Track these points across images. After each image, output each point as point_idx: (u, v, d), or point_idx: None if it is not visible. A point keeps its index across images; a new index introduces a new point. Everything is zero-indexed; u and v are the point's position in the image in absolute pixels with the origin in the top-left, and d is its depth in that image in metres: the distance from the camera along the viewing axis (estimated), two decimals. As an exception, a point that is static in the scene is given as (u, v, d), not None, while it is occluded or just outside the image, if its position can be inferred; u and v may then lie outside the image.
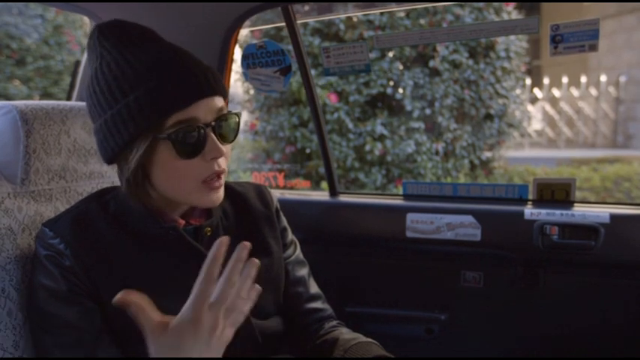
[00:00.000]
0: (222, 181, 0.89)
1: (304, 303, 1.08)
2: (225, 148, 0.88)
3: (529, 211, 1.49)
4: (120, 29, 0.87)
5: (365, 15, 4.28)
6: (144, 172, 0.86)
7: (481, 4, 4.36)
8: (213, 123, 0.85)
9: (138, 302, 0.73)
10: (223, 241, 0.73)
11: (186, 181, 0.86)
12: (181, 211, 0.93)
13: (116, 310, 0.85)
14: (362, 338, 1.03)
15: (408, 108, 4.32)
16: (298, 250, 1.13)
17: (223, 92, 0.88)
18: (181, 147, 0.83)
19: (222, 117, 0.87)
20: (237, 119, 0.91)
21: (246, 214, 1.03)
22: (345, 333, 1.05)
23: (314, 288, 1.12)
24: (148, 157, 0.84)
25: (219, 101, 0.87)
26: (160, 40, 0.89)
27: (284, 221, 1.11)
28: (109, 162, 0.88)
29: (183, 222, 0.92)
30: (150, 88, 0.81)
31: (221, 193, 0.89)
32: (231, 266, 0.73)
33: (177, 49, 0.87)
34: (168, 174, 0.85)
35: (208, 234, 0.94)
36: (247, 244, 0.74)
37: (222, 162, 0.87)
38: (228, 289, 0.73)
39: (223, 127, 0.87)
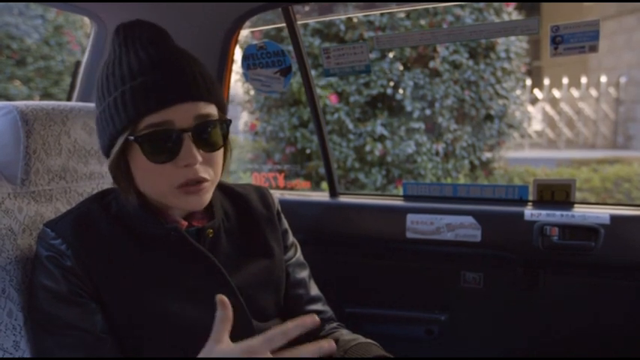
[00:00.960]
0: (206, 185, 0.86)
1: (305, 305, 1.08)
2: (209, 155, 0.86)
3: (529, 212, 1.49)
4: (133, 29, 0.87)
5: (365, 16, 4.29)
6: (127, 170, 0.87)
7: (481, 5, 4.36)
8: (191, 129, 0.82)
9: (229, 314, 0.74)
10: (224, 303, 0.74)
11: (160, 184, 0.85)
12: (183, 213, 0.93)
13: (117, 311, 0.86)
14: (362, 339, 1.03)
15: (408, 108, 4.32)
16: (299, 253, 1.13)
17: (212, 98, 0.86)
18: (150, 151, 0.82)
19: (204, 123, 0.84)
20: (225, 126, 0.88)
21: (247, 216, 1.03)
22: (345, 334, 1.06)
23: (314, 290, 1.12)
24: (125, 157, 0.85)
25: (202, 107, 0.84)
26: (165, 42, 0.88)
27: (285, 223, 1.11)
28: (106, 156, 0.89)
29: (185, 223, 0.92)
30: (130, 87, 0.81)
31: (204, 197, 0.87)
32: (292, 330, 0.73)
33: (176, 52, 0.86)
34: (143, 176, 0.86)
35: (210, 235, 0.93)
36: (317, 320, 0.74)
37: (201, 169, 0.84)
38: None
39: (205, 135, 0.84)
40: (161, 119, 0.81)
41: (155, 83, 0.81)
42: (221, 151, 0.89)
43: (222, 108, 0.91)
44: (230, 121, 0.89)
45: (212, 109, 0.86)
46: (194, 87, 0.83)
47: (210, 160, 0.86)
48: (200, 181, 0.85)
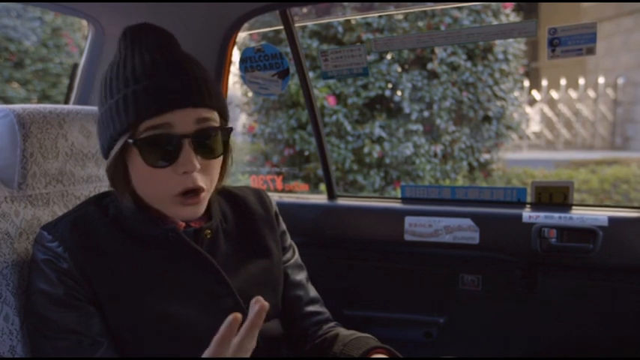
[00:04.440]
0: (203, 196, 0.86)
1: (303, 306, 1.08)
2: (207, 163, 0.85)
3: (527, 214, 1.49)
4: (140, 32, 0.88)
5: (363, 18, 4.29)
6: (124, 173, 0.87)
7: (479, 7, 4.37)
8: (191, 135, 0.82)
9: (257, 321, 0.69)
10: (236, 317, 0.67)
11: (157, 190, 0.85)
12: None
13: (115, 313, 0.85)
14: (359, 333, 1.04)
15: (407, 110, 4.32)
16: (297, 254, 1.14)
17: (213, 105, 0.85)
18: (149, 154, 0.82)
19: (204, 129, 0.83)
20: (226, 134, 0.88)
21: (245, 217, 1.04)
22: (343, 330, 1.07)
23: (312, 291, 1.12)
24: (124, 160, 0.85)
25: (203, 113, 0.84)
26: (171, 46, 0.87)
27: (283, 225, 1.12)
28: (105, 158, 0.89)
29: (183, 224, 0.92)
30: (132, 91, 0.81)
31: (199, 208, 0.87)
32: (246, 332, 0.69)
33: (181, 57, 0.86)
34: (141, 180, 0.86)
35: (208, 236, 0.94)
36: (262, 302, 0.68)
37: (199, 178, 0.84)
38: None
39: (205, 141, 0.84)
40: (161, 123, 0.81)
41: (157, 87, 0.81)
42: (219, 160, 0.89)
43: (225, 115, 0.90)
44: (231, 128, 0.89)
45: (213, 116, 0.86)
46: (196, 92, 0.83)
47: (208, 168, 0.86)
48: (198, 191, 0.84)
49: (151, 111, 0.80)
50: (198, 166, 0.83)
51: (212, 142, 0.85)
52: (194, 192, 0.84)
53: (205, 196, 0.87)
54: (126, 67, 0.84)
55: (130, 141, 0.82)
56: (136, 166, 0.84)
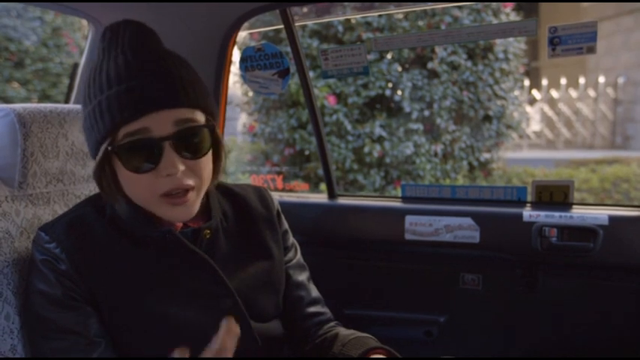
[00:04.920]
0: (192, 196, 0.84)
1: (304, 307, 1.08)
2: (194, 163, 0.83)
3: (528, 213, 1.49)
4: (118, 31, 0.85)
5: (363, 17, 4.28)
6: (113, 178, 0.85)
7: (479, 6, 4.36)
8: (171, 136, 0.80)
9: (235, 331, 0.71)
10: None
11: (143, 194, 0.83)
12: None
13: (113, 314, 0.85)
14: (359, 333, 1.04)
15: (407, 110, 4.32)
16: (299, 254, 1.13)
17: (192, 103, 0.82)
18: (129, 161, 0.80)
19: (185, 130, 0.81)
20: (208, 131, 0.85)
21: (246, 217, 1.03)
22: (342, 330, 1.06)
23: (314, 292, 1.12)
24: (111, 165, 0.83)
25: (182, 113, 0.81)
26: (149, 45, 0.85)
27: (285, 224, 1.11)
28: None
29: (180, 225, 0.92)
30: (106, 97, 0.79)
31: (191, 208, 0.85)
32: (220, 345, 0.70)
33: (156, 56, 0.83)
34: (127, 185, 0.84)
35: (207, 236, 0.93)
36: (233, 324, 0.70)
37: (185, 177, 0.82)
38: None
39: (187, 141, 0.81)
40: (139, 128, 0.79)
41: (129, 92, 0.78)
42: (208, 157, 0.86)
43: (209, 112, 0.87)
44: (213, 125, 0.86)
45: (194, 114, 0.83)
46: (170, 93, 0.80)
47: (195, 167, 0.83)
48: (186, 189, 0.82)
49: (125, 117, 0.78)
50: (181, 167, 0.81)
51: (195, 141, 0.83)
52: (181, 191, 0.82)
53: (196, 196, 0.85)
54: (102, 71, 0.82)
55: (109, 148, 0.80)
56: (121, 172, 0.83)
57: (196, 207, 0.87)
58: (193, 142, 0.82)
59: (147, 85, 0.79)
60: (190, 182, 0.83)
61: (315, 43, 4.25)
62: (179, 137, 0.80)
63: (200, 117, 0.84)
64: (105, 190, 0.86)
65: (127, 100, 0.78)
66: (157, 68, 0.81)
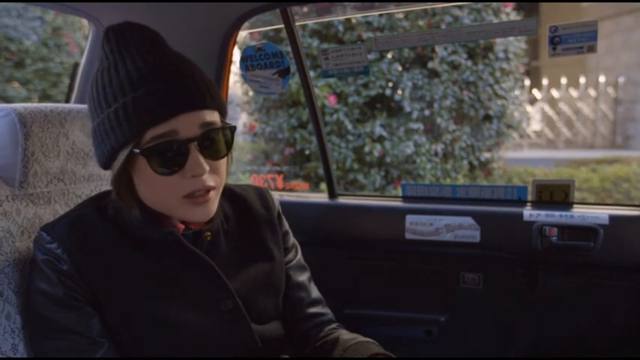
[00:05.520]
0: (212, 195, 0.85)
1: (305, 308, 1.07)
2: (215, 164, 0.84)
3: (528, 212, 1.49)
4: (124, 33, 0.85)
5: (364, 17, 4.28)
6: (129, 183, 0.85)
7: (480, 6, 4.36)
8: (197, 138, 0.81)
9: None
10: None
11: (167, 196, 0.83)
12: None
13: (114, 315, 0.85)
14: (361, 338, 1.03)
15: (407, 109, 4.32)
16: (299, 255, 1.13)
17: (215, 105, 0.84)
18: (157, 163, 0.80)
19: (210, 132, 0.82)
20: (230, 133, 0.86)
21: (247, 218, 1.02)
22: (344, 334, 1.05)
23: (315, 292, 1.11)
24: (129, 170, 0.83)
25: (207, 115, 0.82)
26: (161, 47, 0.85)
27: (286, 225, 1.10)
28: (103, 167, 0.87)
29: (182, 226, 0.91)
30: (132, 99, 0.79)
31: (211, 207, 0.86)
32: None
33: (175, 58, 0.84)
34: (148, 188, 0.84)
35: (208, 238, 0.93)
36: None
37: (209, 178, 0.83)
38: None
39: (210, 143, 0.83)
40: (166, 130, 0.79)
41: (158, 93, 0.78)
42: (226, 158, 0.88)
43: (224, 114, 0.89)
44: (234, 127, 0.88)
45: (215, 117, 0.85)
46: (198, 95, 0.81)
47: (216, 168, 0.85)
48: (208, 189, 0.83)
49: (156, 118, 0.78)
50: (207, 167, 0.82)
51: (217, 143, 0.84)
52: (206, 191, 0.83)
53: (215, 196, 0.87)
54: (118, 72, 0.81)
55: (137, 150, 0.80)
56: (143, 175, 0.82)
57: (215, 206, 0.88)
58: (216, 144, 0.84)
59: (173, 87, 0.80)
60: (212, 183, 0.84)
61: (315, 42, 4.25)
62: (204, 139, 0.82)
63: (218, 119, 0.86)
64: (122, 195, 0.85)
65: (155, 102, 0.78)
66: (178, 70, 0.82)
